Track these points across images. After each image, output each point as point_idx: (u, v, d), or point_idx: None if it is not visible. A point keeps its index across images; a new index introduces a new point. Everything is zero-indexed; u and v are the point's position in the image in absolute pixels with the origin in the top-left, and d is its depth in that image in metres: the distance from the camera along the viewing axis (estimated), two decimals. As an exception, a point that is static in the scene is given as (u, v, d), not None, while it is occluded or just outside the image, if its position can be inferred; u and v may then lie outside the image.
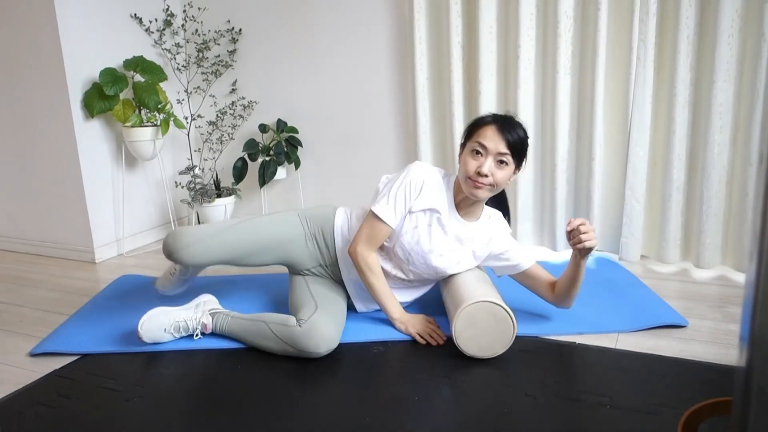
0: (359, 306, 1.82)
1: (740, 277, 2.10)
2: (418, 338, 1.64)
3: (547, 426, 1.24)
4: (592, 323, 1.71)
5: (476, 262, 1.75)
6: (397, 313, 1.69)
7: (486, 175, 1.55)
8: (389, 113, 2.69)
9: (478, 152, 1.56)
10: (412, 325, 1.67)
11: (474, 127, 1.61)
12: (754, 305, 0.68)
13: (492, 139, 1.54)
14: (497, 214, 1.77)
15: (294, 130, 2.85)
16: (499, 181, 1.57)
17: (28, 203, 2.70)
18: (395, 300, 1.72)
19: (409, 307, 1.84)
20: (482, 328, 1.50)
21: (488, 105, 2.38)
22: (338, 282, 1.82)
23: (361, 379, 1.45)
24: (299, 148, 2.86)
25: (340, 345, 1.62)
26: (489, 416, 1.28)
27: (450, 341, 1.60)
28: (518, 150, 1.56)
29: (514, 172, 1.61)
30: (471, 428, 1.23)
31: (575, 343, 1.61)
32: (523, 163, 1.62)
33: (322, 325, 1.54)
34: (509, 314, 1.50)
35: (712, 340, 1.61)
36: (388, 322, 1.74)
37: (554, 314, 1.77)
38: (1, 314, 1.99)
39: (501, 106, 2.40)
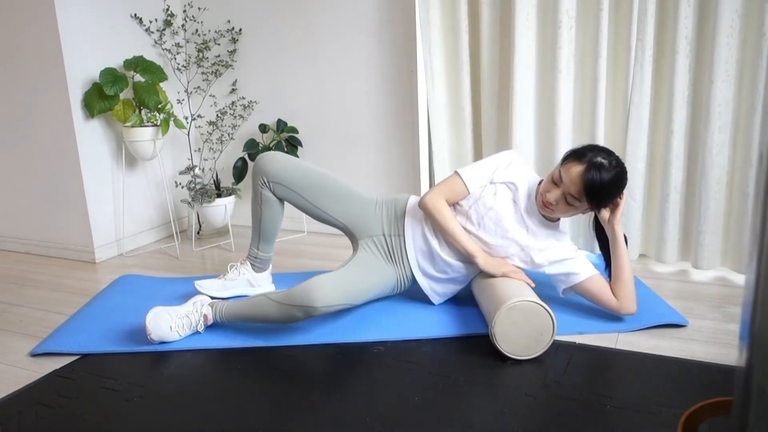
0: (420, 278, 1.82)
1: (740, 278, 2.10)
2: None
3: (547, 426, 1.24)
4: (592, 323, 1.71)
5: (530, 253, 1.74)
6: (478, 251, 1.72)
7: (550, 203, 1.65)
8: (390, 113, 2.69)
9: (555, 181, 1.65)
10: (498, 266, 1.70)
11: (569, 157, 1.65)
12: (754, 305, 0.68)
13: (570, 179, 1.61)
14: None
15: (294, 130, 2.85)
16: (562, 213, 1.68)
17: (28, 203, 2.70)
18: (472, 240, 1.74)
19: (446, 302, 1.89)
20: (525, 328, 1.51)
21: (489, 105, 2.38)
22: (392, 263, 1.81)
23: (361, 379, 1.45)
24: (299, 148, 2.86)
25: (341, 345, 1.62)
26: (489, 416, 1.28)
27: (488, 339, 1.60)
28: (594, 195, 1.60)
29: (591, 210, 1.69)
30: (471, 428, 1.24)
31: (575, 343, 1.61)
32: (608, 203, 1.66)
33: (321, 282, 1.58)
34: (552, 338, 1.52)
35: (712, 340, 1.61)
36: (388, 321, 1.75)
37: (554, 314, 1.76)
38: (1, 314, 1.99)
39: (501, 106, 2.40)
